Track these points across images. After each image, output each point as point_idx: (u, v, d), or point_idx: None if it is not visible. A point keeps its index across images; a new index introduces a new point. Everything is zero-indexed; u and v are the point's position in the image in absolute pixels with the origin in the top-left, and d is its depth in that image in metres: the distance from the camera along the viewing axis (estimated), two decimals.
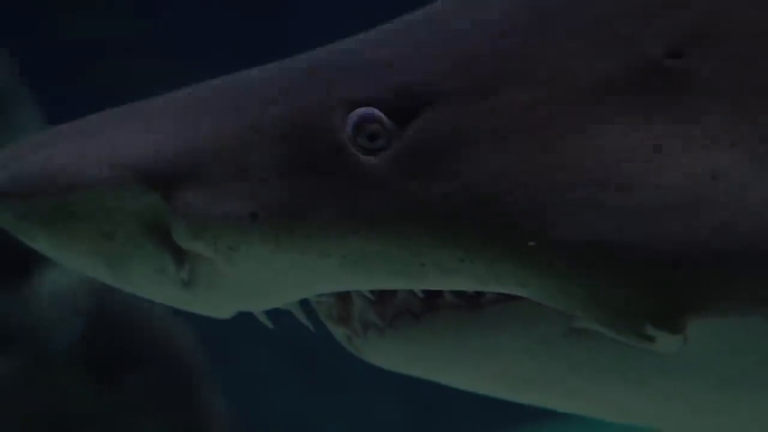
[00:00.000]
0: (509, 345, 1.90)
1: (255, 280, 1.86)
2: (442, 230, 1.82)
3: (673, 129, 1.85)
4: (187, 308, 1.93)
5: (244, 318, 1.98)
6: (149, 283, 1.89)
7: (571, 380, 1.91)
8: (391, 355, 1.96)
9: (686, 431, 2.02)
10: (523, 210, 1.81)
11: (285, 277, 1.86)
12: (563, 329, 1.87)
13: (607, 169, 1.83)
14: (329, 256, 1.83)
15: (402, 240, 1.82)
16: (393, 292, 1.91)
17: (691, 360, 1.87)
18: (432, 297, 1.91)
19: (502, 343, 1.90)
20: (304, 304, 1.96)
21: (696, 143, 1.84)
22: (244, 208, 1.83)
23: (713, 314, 1.83)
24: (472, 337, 1.90)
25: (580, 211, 1.81)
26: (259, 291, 1.88)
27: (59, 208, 1.84)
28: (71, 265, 1.90)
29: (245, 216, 1.82)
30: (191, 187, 1.83)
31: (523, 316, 1.88)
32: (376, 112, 1.85)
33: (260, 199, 1.83)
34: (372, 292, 1.91)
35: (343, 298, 1.95)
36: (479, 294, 1.89)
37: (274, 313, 1.97)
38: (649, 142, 1.84)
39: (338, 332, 1.99)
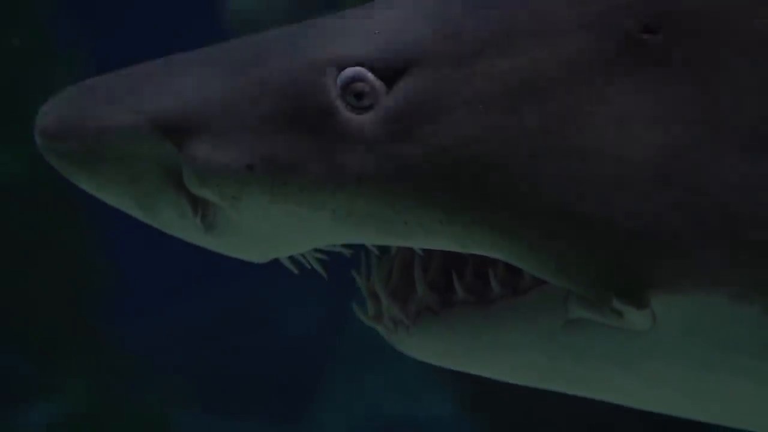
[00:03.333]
0: (517, 340, 1.96)
1: (262, 227, 1.96)
2: (421, 191, 1.89)
3: (641, 104, 1.88)
4: (217, 250, 2.04)
5: None
6: (176, 227, 2.01)
7: (576, 370, 1.96)
8: (419, 349, 2.05)
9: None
10: (492, 177, 1.87)
11: (286, 226, 1.95)
12: (562, 322, 1.93)
13: (572, 140, 1.87)
14: (321, 209, 1.92)
15: (385, 198, 1.90)
16: (412, 291, 2.02)
17: (667, 341, 1.89)
18: (447, 293, 2.00)
19: (511, 338, 1.96)
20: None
21: (660, 119, 1.87)
22: (242, 159, 1.92)
23: (673, 291, 1.86)
24: (483, 333, 1.97)
25: (544, 180, 1.86)
26: (270, 238, 1.99)
27: (92, 151, 1.97)
28: (113, 204, 2.03)
29: (242, 167, 1.92)
30: (199, 136, 1.94)
31: (525, 312, 1.95)
32: (364, 71, 1.93)
33: (257, 152, 1.92)
34: (394, 291, 2.03)
35: (375, 296, 2.05)
36: (487, 288, 1.97)
37: None
38: (616, 115, 1.87)
39: (379, 328, 2.08)
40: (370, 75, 1.93)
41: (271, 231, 1.97)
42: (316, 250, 2.04)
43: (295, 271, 2.09)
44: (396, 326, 2.04)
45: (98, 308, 7.61)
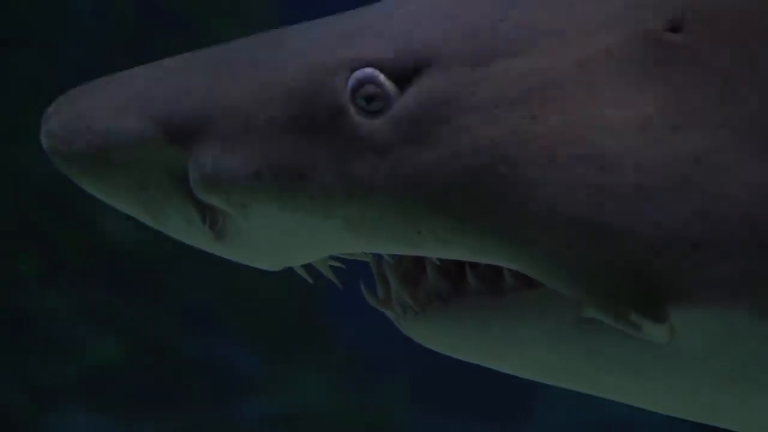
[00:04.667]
0: (527, 335, 1.87)
1: (272, 236, 1.90)
2: (434, 200, 1.81)
3: (663, 107, 1.79)
4: (229, 258, 1.98)
5: None
6: (186, 234, 1.95)
7: (587, 370, 1.88)
8: (426, 337, 1.97)
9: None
10: (509, 184, 1.79)
11: (297, 234, 1.88)
12: (573, 320, 1.83)
13: (592, 146, 1.78)
14: (332, 217, 1.85)
15: (397, 206, 1.82)
16: (423, 275, 1.92)
17: (686, 354, 1.81)
18: (458, 282, 1.90)
19: (520, 333, 1.88)
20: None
21: (683, 123, 1.78)
22: (250, 166, 1.86)
23: (694, 305, 1.77)
24: (493, 326, 1.89)
25: (562, 188, 1.78)
26: (281, 246, 1.91)
27: (97, 155, 1.92)
28: (122, 209, 1.98)
29: (250, 174, 1.85)
30: (207, 141, 1.88)
31: (537, 306, 1.85)
32: (375, 73, 1.85)
33: (265, 158, 1.86)
34: (404, 275, 1.94)
35: (386, 279, 1.96)
36: (500, 278, 1.88)
37: None
38: (638, 120, 1.78)
39: (388, 312, 2.00)
40: (381, 77, 1.85)
41: (281, 239, 1.90)
42: (332, 257, 1.96)
43: (309, 280, 2.02)
44: (404, 312, 1.96)
45: (324, 305, 7.72)
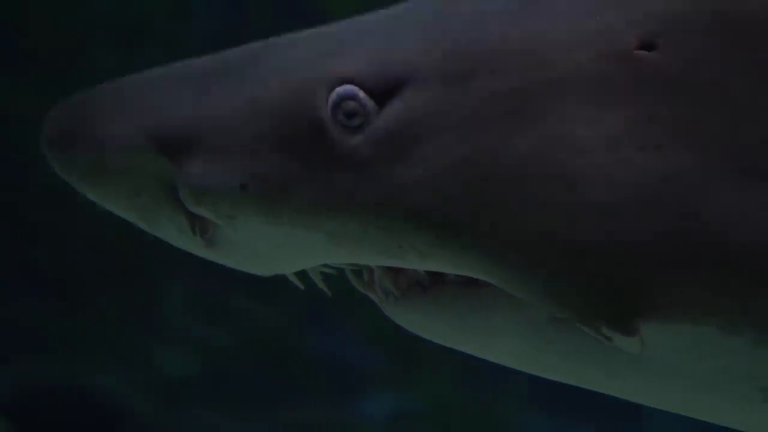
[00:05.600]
0: (503, 327, 1.91)
1: (260, 246, 1.94)
2: (412, 215, 1.84)
3: (633, 125, 1.81)
4: (223, 264, 2.02)
5: None
6: (178, 240, 2.00)
7: (562, 364, 1.93)
8: (407, 321, 2.00)
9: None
10: (483, 202, 1.82)
11: (284, 246, 1.93)
12: (548, 317, 1.88)
13: (562, 165, 1.81)
14: (316, 231, 1.89)
15: (377, 222, 1.86)
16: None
17: (657, 364, 1.85)
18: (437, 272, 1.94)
19: (497, 324, 1.91)
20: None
21: (652, 142, 1.80)
22: (236, 179, 1.90)
23: (662, 321, 1.81)
24: (470, 316, 1.93)
25: (533, 206, 1.81)
26: (269, 256, 1.96)
27: (92, 163, 1.97)
28: (118, 214, 2.03)
29: (236, 187, 1.89)
30: (195, 153, 1.92)
31: (513, 300, 1.88)
32: (355, 89, 1.88)
33: (250, 171, 1.89)
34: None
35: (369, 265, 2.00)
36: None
37: None
38: (608, 139, 1.81)
39: (371, 296, 2.04)
40: (361, 93, 1.89)
41: (269, 249, 1.94)
42: (324, 265, 2.00)
43: (301, 287, 2.06)
44: (387, 296, 2.00)
45: None
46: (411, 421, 7.44)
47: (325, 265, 2.01)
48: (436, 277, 1.95)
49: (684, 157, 1.80)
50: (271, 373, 7.41)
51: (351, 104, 1.88)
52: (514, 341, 1.92)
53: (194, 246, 1.99)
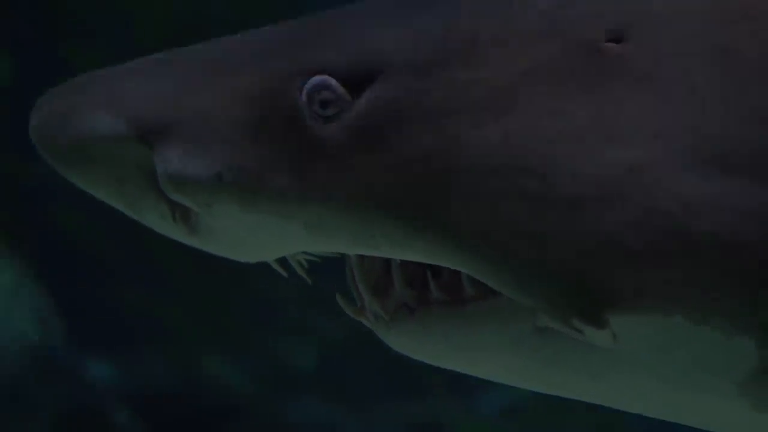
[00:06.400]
0: (489, 343, 1.92)
1: (239, 233, 1.95)
2: (384, 205, 1.86)
3: (600, 117, 1.82)
4: (207, 250, 2.03)
5: None
6: (161, 227, 2.02)
7: (549, 375, 1.93)
8: (398, 344, 2.01)
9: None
10: (454, 192, 1.83)
11: (261, 234, 1.94)
12: (532, 328, 1.88)
13: (531, 156, 1.82)
14: (292, 220, 1.90)
15: (350, 211, 1.87)
16: (392, 286, 1.97)
17: (631, 358, 1.85)
18: (423, 292, 1.96)
19: (482, 341, 1.92)
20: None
21: (619, 133, 1.82)
22: (212, 168, 1.91)
23: (631, 312, 1.81)
24: (456, 334, 1.94)
25: (503, 197, 1.82)
26: (250, 243, 1.97)
27: (76, 151, 1.99)
28: (107, 202, 2.06)
29: (212, 175, 1.91)
30: (173, 142, 1.93)
31: (497, 315, 1.90)
32: (329, 79, 1.89)
33: (226, 160, 1.91)
34: (375, 285, 1.98)
35: (358, 289, 2.02)
36: (462, 288, 1.93)
37: None
38: (574, 130, 1.82)
39: (364, 321, 2.06)
40: (335, 83, 1.90)
41: (249, 236, 1.96)
42: (305, 253, 2.02)
43: (285, 274, 2.07)
44: (377, 320, 2.01)
45: None
46: (525, 414, 7.39)
47: (306, 253, 2.01)
48: (422, 298, 1.96)
49: (649, 149, 1.81)
50: (387, 368, 7.38)
51: (325, 94, 1.89)
52: (502, 356, 1.93)
53: (177, 233, 2.01)
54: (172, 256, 7.12)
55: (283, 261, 2.06)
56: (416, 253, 1.89)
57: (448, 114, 1.86)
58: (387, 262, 1.99)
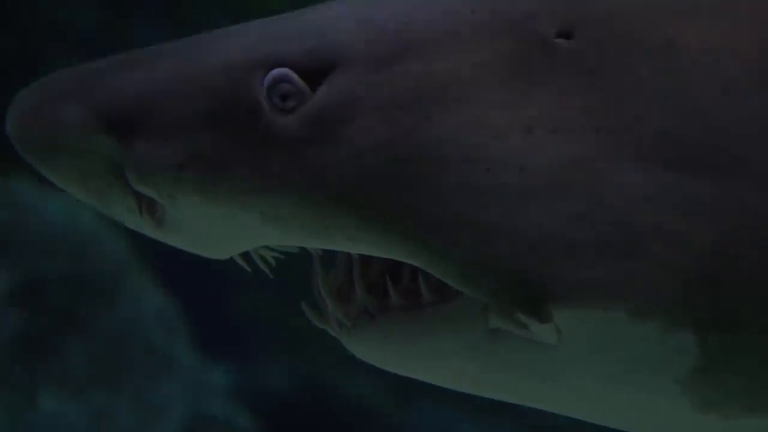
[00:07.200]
0: (445, 348, 1.92)
1: (202, 226, 1.97)
2: (336, 196, 1.87)
3: (548, 111, 1.84)
4: (173, 245, 2.05)
5: None
6: (129, 221, 2.04)
7: (501, 379, 1.93)
8: (360, 351, 2.02)
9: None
10: (404, 184, 1.85)
11: (222, 226, 1.96)
12: (484, 331, 1.89)
13: (479, 148, 1.84)
14: (251, 211, 1.92)
15: (305, 202, 1.89)
16: (353, 292, 1.99)
17: (575, 355, 1.85)
18: (384, 298, 1.97)
19: (439, 346, 1.92)
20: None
21: (565, 128, 1.83)
22: (174, 159, 1.93)
23: (572, 306, 1.81)
24: (413, 339, 1.94)
25: (451, 189, 1.84)
26: (213, 236, 1.99)
27: (46, 145, 2.01)
28: (78, 197, 2.09)
29: (175, 165, 1.93)
30: (138, 133, 1.95)
31: (451, 319, 1.90)
32: (289, 72, 1.91)
33: (187, 152, 1.93)
34: (338, 292, 2.00)
35: (323, 297, 2.03)
36: (420, 295, 1.93)
37: None
38: (522, 123, 1.83)
39: (327, 328, 2.07)
40: (294, 76, 1.91)
41: (211, 229, 1.97)
42: (267, 248, 2.03)
43: (248, 269, 2.08)
44: (340, 327, 2.02)
45: None
46: None
47: (266, 247, 2.03)
48: (383, 305, 1.98)
49: (595, 143, 1.82)
50: None
51: (285, 86, 1.92)
52: (456, 361, 1.93)
53: (144, 227, 2.03)
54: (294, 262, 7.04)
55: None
56: (369, 246, 1.90)
57: (401, 106, 1.88)
58: (350, 269, 2.01)
